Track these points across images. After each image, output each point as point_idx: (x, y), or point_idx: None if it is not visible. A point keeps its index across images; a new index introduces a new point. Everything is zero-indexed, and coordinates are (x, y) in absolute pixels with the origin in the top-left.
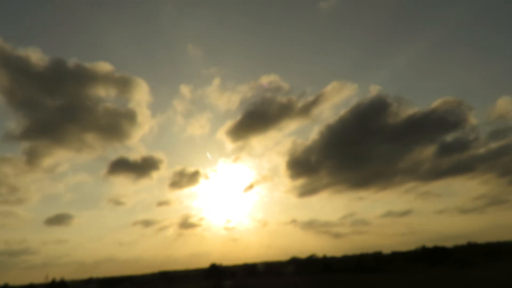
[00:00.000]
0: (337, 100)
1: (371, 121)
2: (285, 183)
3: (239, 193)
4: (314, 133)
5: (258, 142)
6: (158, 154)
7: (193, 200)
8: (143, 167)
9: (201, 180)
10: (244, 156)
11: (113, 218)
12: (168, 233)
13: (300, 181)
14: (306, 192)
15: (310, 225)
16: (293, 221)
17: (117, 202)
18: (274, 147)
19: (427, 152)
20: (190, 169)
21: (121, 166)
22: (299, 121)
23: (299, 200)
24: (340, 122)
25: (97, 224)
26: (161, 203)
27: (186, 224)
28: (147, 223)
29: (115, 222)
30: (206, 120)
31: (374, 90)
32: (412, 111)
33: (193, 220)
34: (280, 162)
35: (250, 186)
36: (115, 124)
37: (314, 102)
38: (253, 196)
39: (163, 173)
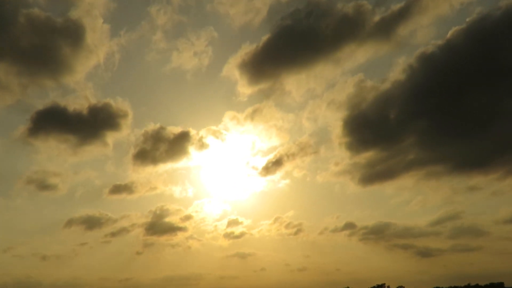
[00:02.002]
0: (440, 12)
1: (503, 49)
2: (338, 160)
3: (255, 175)
4: (396, 70)
5: (296, 84)
6: (119, 103)
7: (176, 186)
8: (91, 124)
9: (192, 150)
10: (269, 110)
11: (33, 213)
12: (128, 241)
13: (365, 157)
14: (374, 175)
15: (379, 233)
16: (349, 226)
17: (42, 186)
18: (323, 94)
19: None
20: (174, 129)
21: (53, 121)
22: (371, 47)
23: (361, 189)
24: (445, 50)
25: (4, 222)
26: (119, 189)
27: (161, 227)
28: (92, 223)
29: (38, 219)
30: (205, 43)
31: None
32: None
33: (173, 220)
34: (333, 121)
35: (276, 164)
36: (46, 47)
37: (401, 15)
38: (279, 182)
39: (126, 135)
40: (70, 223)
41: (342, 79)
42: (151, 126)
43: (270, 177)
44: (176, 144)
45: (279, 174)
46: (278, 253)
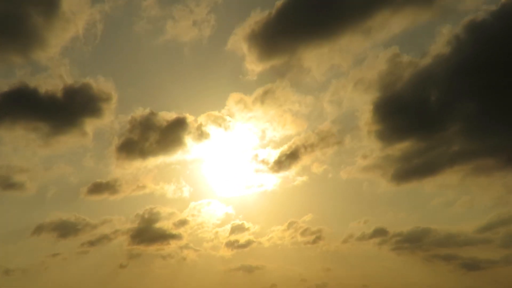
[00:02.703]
0: None
1: None
2: (366, 152)
3: (266, 171)
4: (439, 42)
5: (316, 60)
6: (101, 83)
7: (169, 184)
8: (66, 109)
9: (189, 141)
10: (283, 91)
11: None
12: (110, 251)
13: (400, 148)
14: (410, 171)
15: (415, 241)
16: (379, 233)
17: (6, 184)
18: (350, 72)
19: None
20: (167, 115)
21: (20, 105)
22: (409, 14)
23: (395, 187)
24: (498, 17)
25: None
26: (99, 189)
27: (150, 234)
28: (66, 229)
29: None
30: (207, 10)
31: None
32: None
33: (165, 225)
34: (361, 105)
35: (291, 157)
36: (13, 16)
37: None
38: (294, 179)
39: (109, 123)
40: (39, 229)
41: (373, 53)
42: (140, 112)
43: (283, 173)
44: (170, 133)
45: (294, 169)
46: (293, 266)
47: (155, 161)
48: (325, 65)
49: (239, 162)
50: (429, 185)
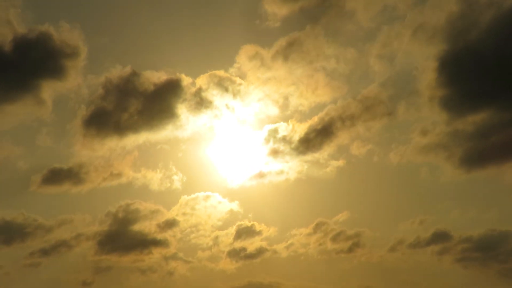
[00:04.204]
0: None
1: None
2: (427, 126)
3: (287, 153)
4: None
5: None
6: (65, 31)
7: (154, 171)
8: (16, 68)
9: (183, 111)
10: (315, 41)
11: None
12: (70, 263)
13: (473, 121)
14: (486, 153)
15: (489, 249)
16: (440, 237)
17: None
18: (407, 15)
19: None
20: (154, 76)
21: None
22: None
23: (464, 175)
24: None
25: None
26: (58, 177)
27: (124, 240)
28: (10, 233)
29: None
30: None
31: None
32: None
33: (146, 227)
34: (421, 60)
35: (323, 133)
36: None
37: None
38: (326, 163)
39: (74, 87)
40: None
41: None
42: (117, 71)
43: (311, 156)
44: (157, 101)
45: (327, 150)
46: (320, 284)
47: (136, 140)
48: (375, 6)
49: (251, 140)
50: (510, 174)
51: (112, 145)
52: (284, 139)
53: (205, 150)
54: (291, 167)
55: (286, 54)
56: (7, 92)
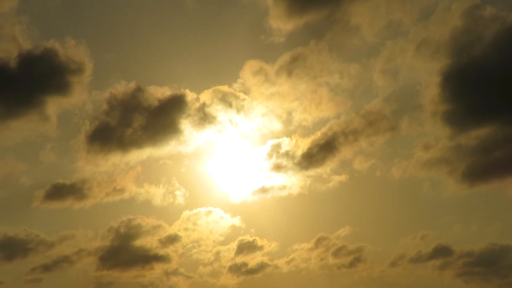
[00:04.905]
0: None
1: None
2: (430, 141)
3: (290, 168)
4: None
5: (367, 14)
6: (70, 47)
7: (156, 186)
8: (21, 83)
9: (187, 127)
10: (319, 57)
11: None
12: (72, 279)
13: (477, 136)
14: (489, 168)
15: (491, 264)
16: (442, 252)
17: None
18: (411, 30)
19: None
20: (158, 92)
21: None
22: None
23: (467, 190)
24: None
25: None
26: (60, 193)
27: (126, 256)
28: (12, 249)
29: None
30: None
31: None
32: None
33: (148, 243)
34: (425, 75)
35: (326, 148)
36: None
37: None
38: (329, 178)
39: (79, 103)
40: None
41: (443, 4)
42: (121, 86)
43: (314, 171)
44: (161, 117)
45: (329, 165)
46: None
47: (139, 155)
48: (380, 22)
49: (254, 155)
50: None
51: (115, 160)
52: (287, 154)
53: (208, 165)
54: (294, 182)
55: (290, 69)
56: (12, 108)
